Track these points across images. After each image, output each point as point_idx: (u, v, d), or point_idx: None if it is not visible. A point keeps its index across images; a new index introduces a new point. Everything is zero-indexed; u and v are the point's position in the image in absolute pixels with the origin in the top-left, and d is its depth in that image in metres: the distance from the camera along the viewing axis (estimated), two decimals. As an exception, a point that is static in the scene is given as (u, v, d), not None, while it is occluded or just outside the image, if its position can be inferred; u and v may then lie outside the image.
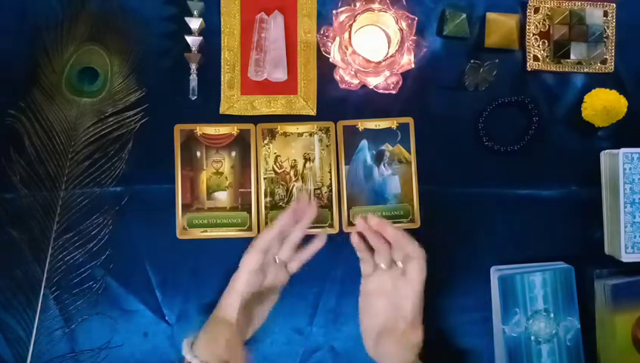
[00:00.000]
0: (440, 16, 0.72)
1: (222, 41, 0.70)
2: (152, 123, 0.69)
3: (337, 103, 0.71)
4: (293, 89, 0.71)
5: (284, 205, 0.70)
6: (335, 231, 0.70)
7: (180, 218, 0.69)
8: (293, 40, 0.71)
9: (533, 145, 0.71)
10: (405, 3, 0.66)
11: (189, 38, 0.68)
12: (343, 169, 0.70)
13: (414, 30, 0.65)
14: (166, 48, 0.70)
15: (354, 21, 0.62)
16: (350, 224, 0.70)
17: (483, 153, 0.71)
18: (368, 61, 0.63)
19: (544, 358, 0.67)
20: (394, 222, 0.70)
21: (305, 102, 0.70)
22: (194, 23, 0.68)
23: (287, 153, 0.70)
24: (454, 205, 0.71)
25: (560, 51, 0.71)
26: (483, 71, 0.70)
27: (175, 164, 0.69)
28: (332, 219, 0.70)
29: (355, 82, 0.68)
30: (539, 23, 0.72)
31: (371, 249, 0.61)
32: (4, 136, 0.67)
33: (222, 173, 0.70)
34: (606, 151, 0.71)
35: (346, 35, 0.63)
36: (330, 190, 0.70)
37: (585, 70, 0.72)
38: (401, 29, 0.63)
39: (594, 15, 0.70)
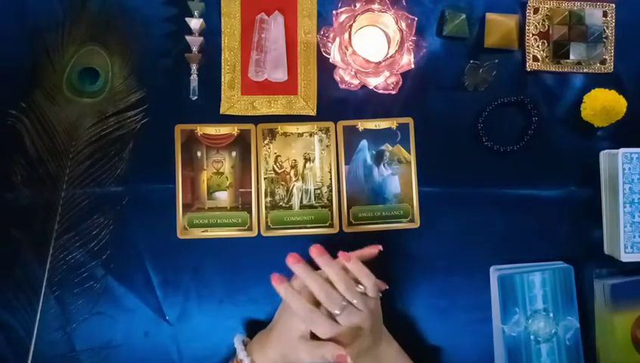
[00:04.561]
0: (440, 16, 0.72)
1: (223, 42, 0.70)
2: (153, 123, 0.69)
3: (337, 104, 0.71)
4: (294, 89, 0.71)
5: (284, 205, 0.70)
6: (335, 230, 0.70)
7: (180, 218, 0.69)
8: (293, 40, 0.71)
9: (533, 145, 0.71)
10: (404, 3, 0.66)
11: (189, 39, 0.68)
12: (343, 169, 0.71)
13: (413, 30, 0.65)
14: (167, 49, 0.70)
15: (354, 21, 0.62)
16: (350, 223, 0.70)
17: (482, 153, 0.72)
18: (368, 61, 0.63)
19: (543, 358, 0.68)
20: (394, 222, 0.70)
21: (305, 102, 0.71)
22: (195, 24, 0.68)
23: (288, 153, 0.71)
24: (454, 205, 0.71)
25: (559, 51, 0.71)
26: (482, 71, 0.70)
27: (176, 164, 0.69)
28: (332, 219, 0.70)
29: (355, 82, 0.68)
30: (539, 24, 0.72)
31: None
32: (5, 136, 0.67)
33: (222, 173, 0.70)
34: (605, 151, 0.71)
35: (346, 35, 0.63)
36: (330, 190, 0.70)
37: (585, 70, 0.72)
38: (401, 30, 0.63)
39: (594, 15, 0.71)
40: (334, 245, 0.70)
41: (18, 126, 0.67)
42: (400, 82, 0.68)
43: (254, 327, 0.66)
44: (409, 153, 0.71)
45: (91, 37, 0.69)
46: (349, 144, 0.71)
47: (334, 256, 0.67)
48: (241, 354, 0.61)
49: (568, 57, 0.70)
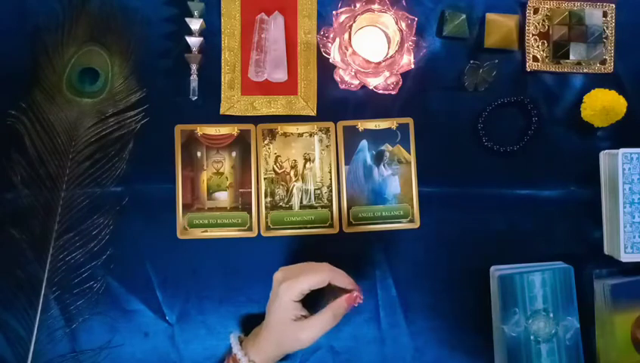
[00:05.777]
0: (440, 16, 0.72)
1: (223, 42, 0.70)
2: (153, 124, 0.69)
3: (337, 104, 0.71)
4: (294, 90, 0.71)
5: (284, 205, 0.70)
6: (335, 230, 0.70)
7: (180, 218, 0.69)
8: (293, 41, 0.71)
9: (533, 145, 0.71)
10: (404, 3, 0.66)
11: (189, 39, 0.68)
12: (343, 169, 0.71)
13: (413, 31, 0.65)
14: (167, 49, 0.70)
15: (354, 22, 0.62)
16: (350, 224, 0.70)
17: (482, 153, 0.72)
18: (368, 62, 0.63)
19: (543, 358, 0.68)
20: (394, 222, 0.71)
21: (305, 102, 0.71)
22: (195, 24, 0.68)
23: (288, 153, 0.71)
24: (454, 205, 0.71)
25: (559, 51, 0.71)
26: (482, 71, 0.70)
27: (176, 164, 0.69)
28: (332, 219, 0.70)
29: (355, 82, 0.68)
30: (539, 24, 0.72)
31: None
32: (5, 136, 0.67)
33: (222, 173, 0.70)
34: (605, 151, 0.71)
35: (346, 35, 0.63)
36: (330, 191, 0.70)
37: (585, 71, 0.72)
38: (401, 30, 0.63)
39: (594, 16, 0.71)
40: (334, 245, 0.70)
41: (18, 126, 0.67)
42: (400, 82, 0.69)
43: (254, 328, 0.66)
44: (409, 153, 0.71)
45: (91, 37, 0.69)
46: (349, 145, 0.71)
47: (334, 256, 0.67)
48: (235, 348, 0.61)
49: (568, 58, 0.70)
